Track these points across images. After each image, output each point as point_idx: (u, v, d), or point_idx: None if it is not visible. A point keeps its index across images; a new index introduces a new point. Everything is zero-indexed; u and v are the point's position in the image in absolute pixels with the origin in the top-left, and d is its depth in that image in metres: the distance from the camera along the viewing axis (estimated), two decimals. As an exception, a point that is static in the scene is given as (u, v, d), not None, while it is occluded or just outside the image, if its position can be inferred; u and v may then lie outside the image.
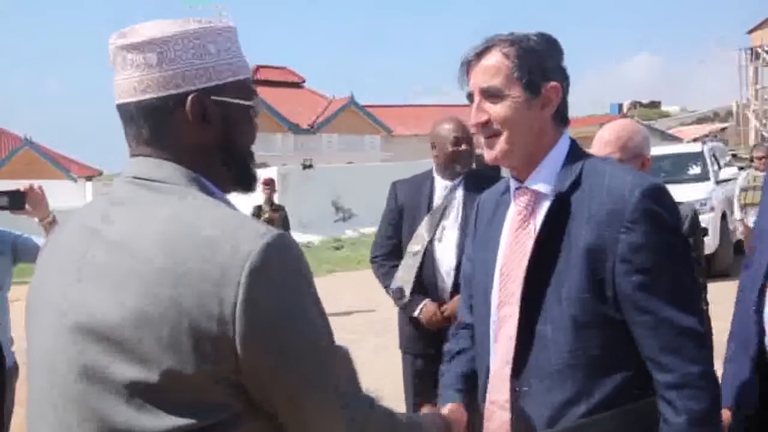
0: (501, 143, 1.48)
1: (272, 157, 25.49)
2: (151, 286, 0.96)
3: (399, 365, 3.29)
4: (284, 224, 8.51)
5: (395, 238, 3.16)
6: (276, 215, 8.96)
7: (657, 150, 12.17)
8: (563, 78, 1.50)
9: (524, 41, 1.47)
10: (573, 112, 1.59)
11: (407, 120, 34.91)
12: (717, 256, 8.81)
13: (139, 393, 0.96)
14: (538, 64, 1.46)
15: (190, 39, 1.07)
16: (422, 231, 3.05)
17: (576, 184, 1.45)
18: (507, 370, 1.47)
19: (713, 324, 2.36)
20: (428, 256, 3.04)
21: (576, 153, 1.51)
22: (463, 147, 3.03)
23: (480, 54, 1.48)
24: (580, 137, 1.78)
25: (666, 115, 47.74)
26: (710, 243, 8.54)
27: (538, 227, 1.47)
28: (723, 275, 8.13)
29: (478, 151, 2.68)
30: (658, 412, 1.37)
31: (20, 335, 2.14)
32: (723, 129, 37.28)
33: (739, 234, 9.01)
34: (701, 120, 40.20)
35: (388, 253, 3.20)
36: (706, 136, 26.74)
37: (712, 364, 1.38)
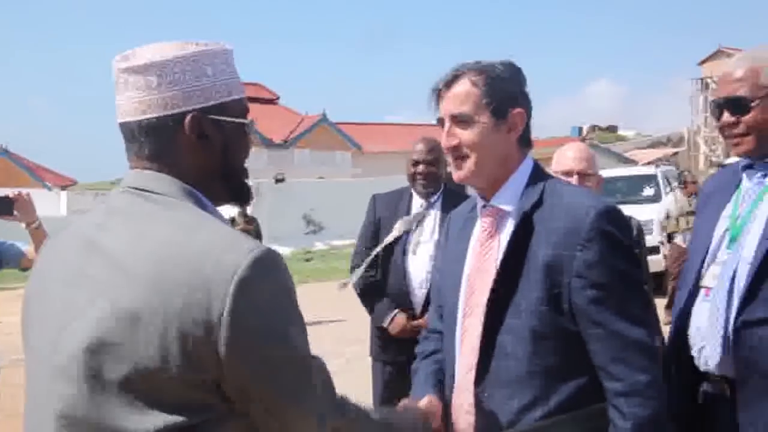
0: (469, 165, 1.54)
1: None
2: (143, 295, 0.99)
3: (368, 376, 3.30)
4: (257, 236, 8.52)
5: (373, 249, 3.19)
6: (250, 227, 9.18)
7: (614, 172, 12.14)
8: (527, 104, 1.57)
9: (491, 70, 1.53)
10: (536, 133, 1.68)
11: (377, 137, 35.20)
12: (667, 273, 8.53)
13: (128, 392, 0.99)
14: (505, 91, 1.52)
15: (188, 62, 1.11)
16: (398, 226, 3.12)
17: (538, 203, 1.51)
18: (470, 377, 1.53)
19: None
20: (401, 269, 3.10)
21: (538, 174, 1.58)
22: (420, 168, 3.12)
23: (450, 82, 1.54)
24: (543, 158, 1.88)
25: (623, 138, 48.90)
26: (661, 261, 8.67)
27: (502, 243, 1.53)
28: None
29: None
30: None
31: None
32: (675, 153, 38.59)
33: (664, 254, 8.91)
34: (655, 144, 41.69)
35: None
36: (660, 159, 27.72)
37: (659, 374, 1.44)
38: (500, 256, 1.52)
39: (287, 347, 1.05)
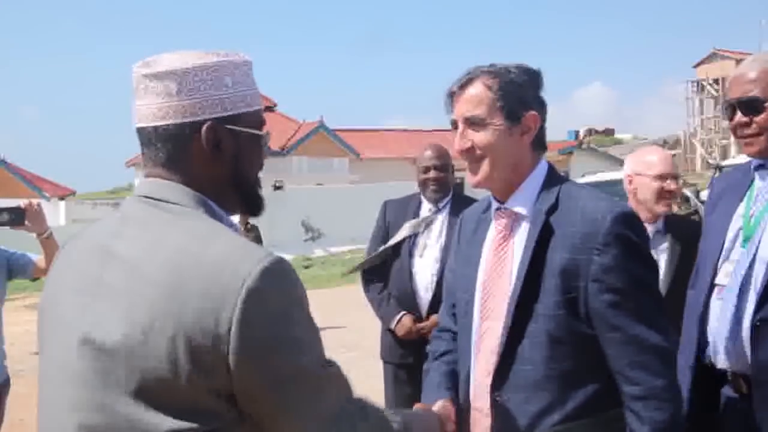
0: (483, 168, 1.54)
1: (244, 178, 25.81)
2: (155, 303, 1.00)
3: (370, 381, 3.22)
4: (257, 243, 8.46)
5: (383, 252, 3.25)
6: (250, 234, 9.05)
7: (612, 175, 12.51)
8: (541, 107, 1.55)
9: (505, 74, 1.52)
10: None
11: (374, 143, 35.31)
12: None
13: (141, 399, 1.00)
14: (518, 94, 1.51)
15: (208, 71, 1.12)
16: (405, 228, 3.18)
17: (553, 207, 1.50)
18: (488, 381, 1.53)
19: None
20: (406, 272, 3.14)
21: (553, 177, 1.57)
22: (432, 174, 3.16)
23: (464, 85, 1.54)
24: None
25: (619, 142, 49.17)
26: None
27: (516, 247, 1.53)
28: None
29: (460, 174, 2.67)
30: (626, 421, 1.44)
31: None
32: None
33: None
34: (652, 147, 41.78)
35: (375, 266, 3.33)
36: (656, 162, 28.19)
37: (675, 378, 1.45)
38: (516, 259, 1.51)
39: (296, 357, 1.04)
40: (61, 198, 29.63)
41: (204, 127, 1.12)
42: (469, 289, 1.61)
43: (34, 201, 2.85)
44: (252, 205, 1.23)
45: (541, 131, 1.57)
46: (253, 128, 1.18)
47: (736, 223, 1.84)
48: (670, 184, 2.66)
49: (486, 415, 1.55)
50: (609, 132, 54.50)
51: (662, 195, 2.66)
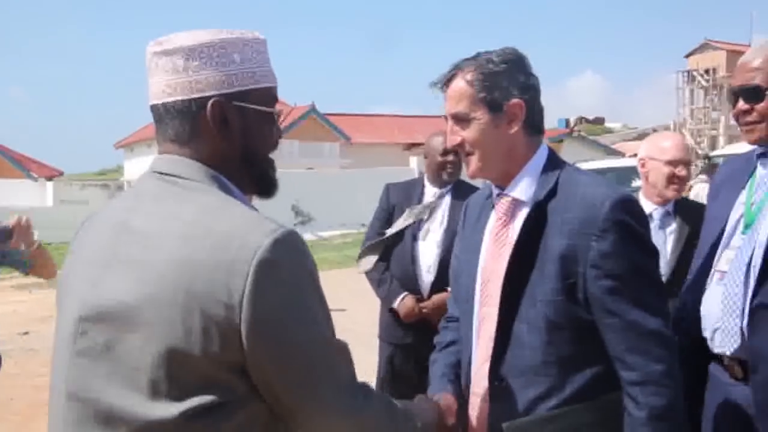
0: (475, 161, 1.55)
1: (234, 161, 25.71)
2: (168, 274, 1.01)
3: (362, 364, 3.51)
4: None
5: (381, 235, 3.33)
6: None
7: (603, 163, 12.35)
8: (528, 92, 1.53)
9: (484, 65, 1.52)
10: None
11: (365, 128, 35.26)
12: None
13: (156, 371, 1.00)
14: (498, 84, 1.50)
15: (216, 48, 1.12)
16: (407, 215, 3.24)
17: (552, 192, 1.50)
18: (487, 366, 1.54)
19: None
20: (409, 255, 3.22)
21: (553, 162, 1.56)
22: (451, 158, 3.18)
23: (448, 81, 1.56)
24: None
25: (609, 131, 49.36)
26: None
27: (516, 233, 1.52)
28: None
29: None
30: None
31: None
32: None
33: None
34: (642, 136, 41.86)
35: None
36: (646, 152, 28.28)
37: (674, 363, 1.43)
38: (514, 246, 1.51)
39: (308, 326, 1.05)
40: (49, 179, 29.39)
41: (209, 103, 1.13)
42: (471, 274, 1.62)
43: (23, 217, 2.84)
44: (262, 185, 1.23)
45: (533, 115, 1.54)
46: (262, 105, 1.18)
47: (738, 210, 1.86)
48: (681, 170, 2.71)
49: (484, 400, 1.56)
50: (599, 121, 54.63)
51: (672, 180, 2.71)
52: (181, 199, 1.09)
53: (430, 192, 3.31)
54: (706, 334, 1.84)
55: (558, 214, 1.47)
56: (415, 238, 3.23)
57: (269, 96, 1.20)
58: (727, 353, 1.79)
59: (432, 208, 3.24)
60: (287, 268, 1.04)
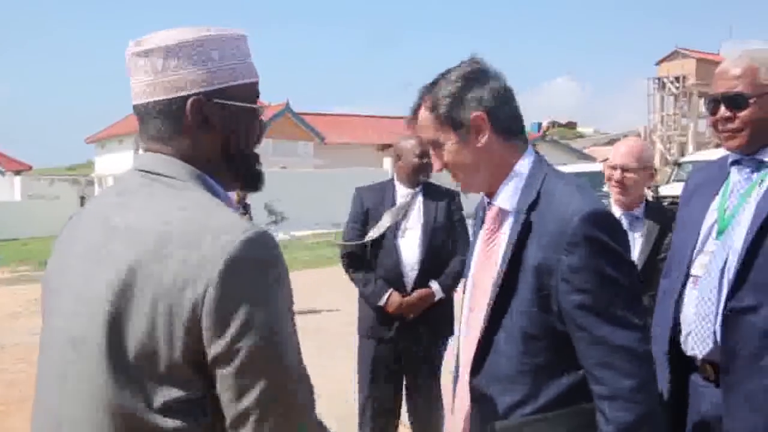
0: (461, 179, 1.60)
1: (207, 159, 25.41)
2: (142, 268, 1.02)
3: (336, 365, 3.54)
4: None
5: (361, 238, 3.43)
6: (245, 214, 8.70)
7: (575, 168, 12.89)
8: (487, 102, 1.52)
9: (442, 87, 1.54)
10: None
11: (340, 128, 35.15)
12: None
13: (135, 365, 1.02)
14: (456, 102, 1.52)
15: (193, 46, 1.13)
16: (386, 218, 3.36)
17: (534, 203, 1.50)
18: (468, 370, 1.58)
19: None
20: (394, 251, 3.35)
21: (537, 170, 1.56)
22: (425, 160, 3.32)
23: (415, 112, 1.60)
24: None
25: (581, 135, 49.93)
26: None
27: (502, 242, 1.55)
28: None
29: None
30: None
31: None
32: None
33: None
34: (613, 141, 42.63)
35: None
36: (617, 157, 28.66)
37: (647, 378, 1.42)
38: (501, 254, 1.54)
39: (272, 328, 1.03)
40: (17, 173, 28.89)
41: (188, 102, 1.13)
42: (468, 282, 1.68)
43: None
44: (248, 180, 1.24)
45: (500, 122, 1.53)
46: (244, 101, 1.18)
47: (711, 216, 1.90)
48: (614, 174, 2.78)
49: (467, 403, 1.61)
50: (571, 125, 55.19)
51: (612, 183, 2.80)
52: (161, 197, 1.11)
53: (403, 192, 3.42)
54: (681, 337, 1.88)
55: (537, 226, 1.48)
56: (395, 237, 3.35)
57: (251, 91, 1.20)
58: (699, 356, 1.83)
59: (406, 209, 3.36)
60: (255, 267, 1.03)
